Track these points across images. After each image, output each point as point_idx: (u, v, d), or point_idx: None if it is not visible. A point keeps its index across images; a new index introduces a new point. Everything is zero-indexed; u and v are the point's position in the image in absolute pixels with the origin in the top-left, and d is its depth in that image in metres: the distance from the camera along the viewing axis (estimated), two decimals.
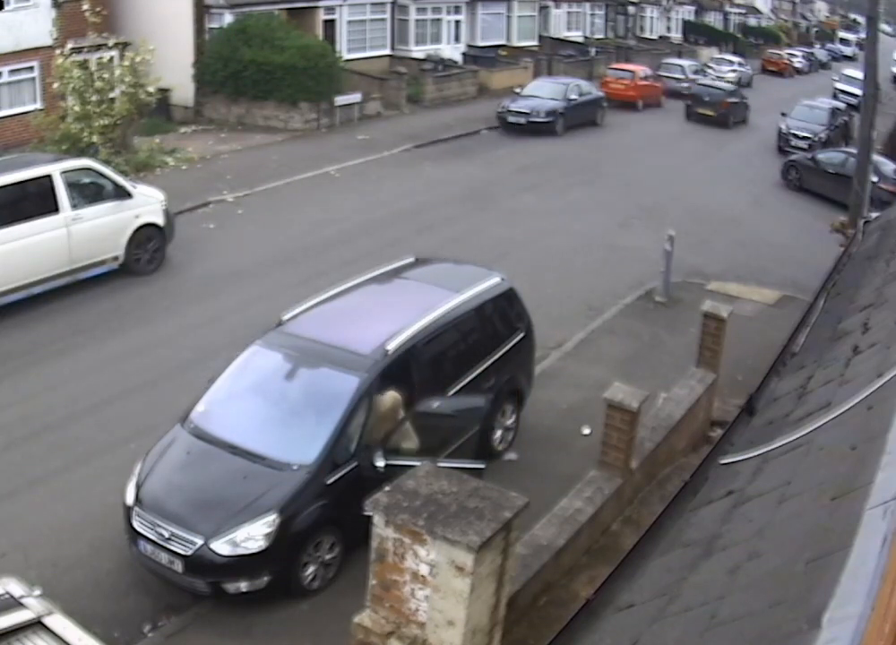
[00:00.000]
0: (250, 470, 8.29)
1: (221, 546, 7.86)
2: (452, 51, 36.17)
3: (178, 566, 7.97)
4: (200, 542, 7.89)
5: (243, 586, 7.99)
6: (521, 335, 10.82)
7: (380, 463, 8.30)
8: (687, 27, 57.60)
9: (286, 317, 9.66)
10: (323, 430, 8.40)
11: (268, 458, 8.33)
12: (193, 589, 8.17)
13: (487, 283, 10.52)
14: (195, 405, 9.09)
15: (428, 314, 9.50)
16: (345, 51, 30.85)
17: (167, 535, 7.99)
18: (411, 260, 11.15)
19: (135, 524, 8.22)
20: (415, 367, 9.26)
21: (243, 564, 7.91)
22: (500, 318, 10.65)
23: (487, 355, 10.16)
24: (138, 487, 8.39)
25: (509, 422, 10.69)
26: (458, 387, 9.66)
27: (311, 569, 8.27)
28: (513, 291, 10.85)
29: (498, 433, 10.48)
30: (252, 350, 9.43)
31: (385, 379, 8.83)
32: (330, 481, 8.27)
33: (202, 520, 7.99)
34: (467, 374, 9.82)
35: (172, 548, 7.96)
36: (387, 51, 33.86)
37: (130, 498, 8.38)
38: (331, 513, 8.27)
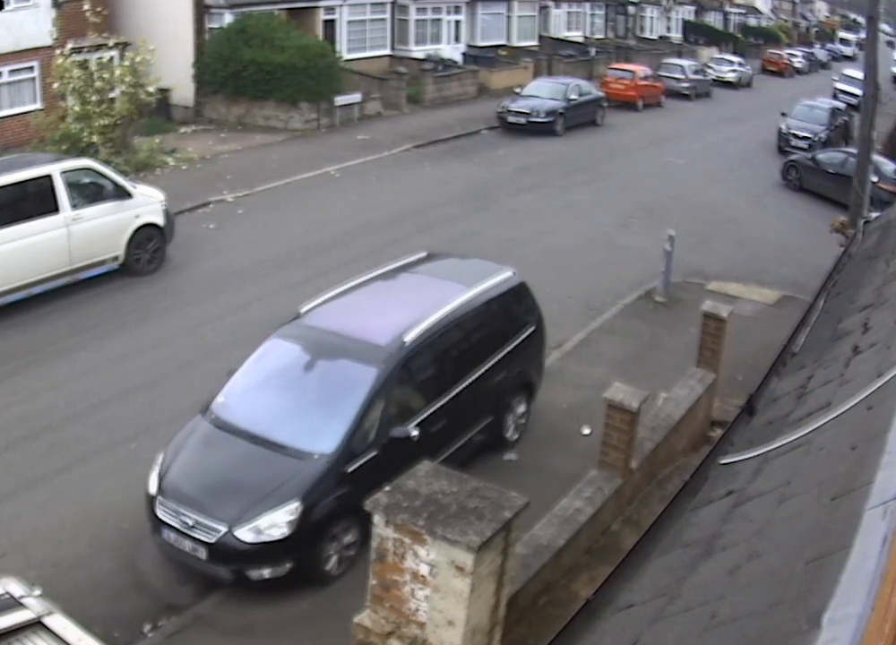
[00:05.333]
0: (272, 459, 8.42)
1: (245, 534, 8.00)
2: (452, 51, 36.15)
3: (202, 554, 8.11)
4: (224, 529, 8.02)
5: (266, 573, 8.11)
6: (532, 328, 11.05)
7: (414, 433, 8.72)
8: (687, 27, 57.59)
9: (303, 309, 9.84)
10: (342, 420, 8.57)
11: (289, 447, 8.48)
12: (216, 576, 8.29)
13: (499, 277, 10.72)
14: (216, 396, 9.24)
15: (443, 307, 9.70)
16: (345, 51, 30.84)
17: (190, 523, 8.13)
18: (423, 255, 11.38)
19: (159, 513, 8.36)
20: (430, 359, 9.48)
21: (266, 551, 8.04)
22: (512, 311, 10.86)
23: (500, 347, 10.39)
24: (161, 477, 8.52)
25: (520, 413, 10.93)
26: (471, 379, 9.86)
27: (331, 556, 8.39)
28: (524, 285, 11.09)
29: (510, 423, 10.72)
30: (271, 342, 9.60)
31: (402, 370, 9.03)
32: (349, 470, 8.43)
33: (226, 508, 8.13)
34: (480, 366, 10.05)
35: (196, 536, 8.10)
36: (387, 51, 33.86)
37: (153, 488, 8.51)
38: (351, 501, 8.30)
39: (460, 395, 9.66)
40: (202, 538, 8.06)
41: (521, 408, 10.91)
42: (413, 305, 9.84)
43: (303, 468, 8.30)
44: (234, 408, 9.03)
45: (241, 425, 8.77)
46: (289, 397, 9.18)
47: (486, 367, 10.10)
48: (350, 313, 9.81)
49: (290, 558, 8.12)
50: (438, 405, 9.37)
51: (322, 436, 8.52)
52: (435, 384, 9.48)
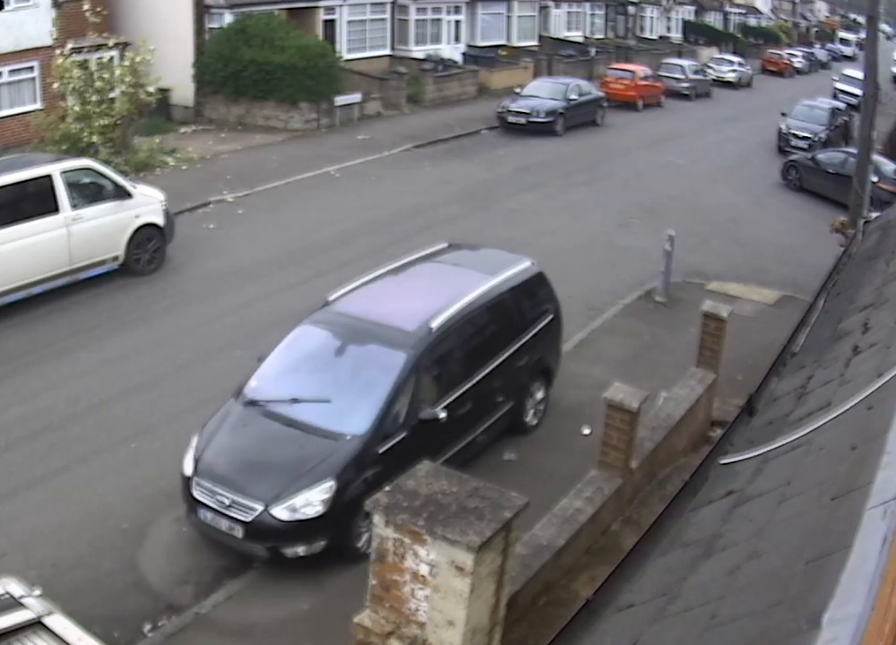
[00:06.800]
0: (305, 440, 8.65)
1: (281, 512, 8.22)
2: (452, 51, 36.15)
3: (238, 532, 8.33)
4: (260, 508, 8.23)
5: (300, 550, 8.33)
6: (551, 316, 11.40)
7: (442, 415, 9.02)
8: (687, 27, 57.58)
9: (332, 297, 10.11)
10: (373, 402, 8.82)
11: (322, 429, 8.71)
12: (252, 554, 8.50)
13: (519, 267, 11.10)
14: (248, 380, 9.46)
15: (467, 295, 10.00)
16: (345, 51, 30.84)
17: (227, 502, 8.34)
18: (445, 245, 11.72)
19: (196, 493, 8.56)
20: (455, 345, 9.78)
21: (301, 529, 8.27)
22: (531, 300, 11.18)
23: (520, 334, 10.70)
24: (196, 459, 8.70)
25: (539, 398, 11.23)
26: (494, 364, 10.14)
27: (364, 534, 8.51)
28: (543, 275, 11.42)
29: (530, 408, 11.06)
30: (301, 328, 9.83)
31: (429, 355, 9.29)
32: (381, 450, 8.65)
33: (262, 488, 8.34)
34: (501, 352, 10.33)
35: (232, 515, 8.31)
36: (387, 51, 33.86)
37: (189, 469, 8.70)
38: (383, 481, 8.41)
39: (484, 380, 10.02)
40: (239, 517, 8.30)
41: (540, 394, 11.26)
42: (438, 293, 10.16)
43: (336, 449, 8.55)
44: (267, 392, 9.26)
45: (275, 408, 9.00)
46: (321, 380, 9.42)
47: (508, 353, 10.42)
48: (378, 300, 10.08)
49: (324, 536, 8.36)
50: (463, 389, 9.71)
51: (354, 418, 8.78)
52: (460, 369, 9.82)
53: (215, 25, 26.89)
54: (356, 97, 27.75)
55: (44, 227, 13.45)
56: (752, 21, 67.04)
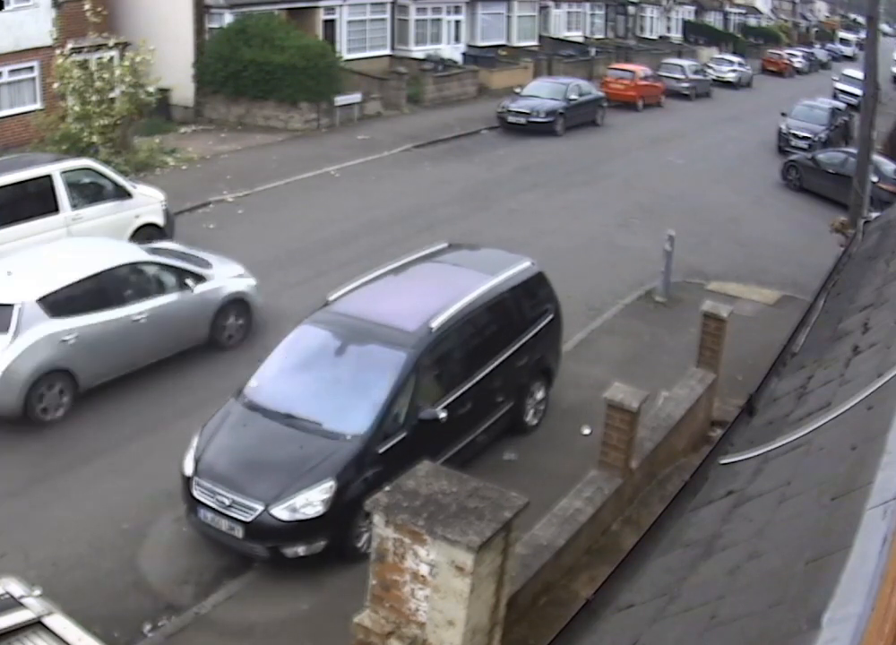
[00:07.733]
0: (306, 440, 8.67)
1: (281, 512, 8.24)
2: (452, 51, 36.15)
3: (239, 532, 8.36)
4: (260, 508, 8.25)
5: (300, 550, 8.35)
6: (551, 316, 11.42)
7: (442, 415, 9.04)
8: (687, 27, 57.57)
9: (332, 297, 10.12)
10: (373, 402, 8.85)
11: (323, 428, 8.73)
12: (252, 554, 8.52)
13: (519, 267, 11.12)
14: (249, 380, 9.47)
15: (467, 295, 10.02)
16: (345, 51, 30.84)
17: (227, 502, 8.36)
18: (445, 245, 11.75)
19: (196, 493, 8.58)
20: (456, 344, 9.81)
21: (301, 529, 8.29)
22: (531, 300, 11.20)
23: (520, 334, 10.71)
24: (196, 459, 8.72)
25: (539, 398, 11.24)
26: (494, 364, 10.16)
27: (364, 534, 8.52)
28: (543, 275, 11.45)
29: (530, 408, 11.09)
30: (301, 328, 9.82)
31: (430, 355, 9.31)
32: (381, 450, 8.67)
33: (262, 488, 8.36)
34: (502, 352, 10.35)
35: (233, 515, 8.33)
36: (387, 51, 33.85)
37: (189, 469, 8.72)
38: (383, 480, 8.43)
39: (484, 380, 10.04)
40: (239, 517, 8.32)
41: (540, 394, 11.28)
42: (438, 292, 10.18)
43: (337, 449, 8.58)
44: (267, 392, 9.28)
45: (275, 408, 9.04)
46: (321, 380, 9.43)
47: (508, 353, 10.43)
48: (378, 300, 10.09)
49: (324, 536, 8.38)
50: (464, 389, 9.71)
51: (354, 418, 8.79)
52: (461, 369, 9.84)
53: (215, 25, 26.88)
54: (356, 97, 27.76)
55: (44, 227, 13.43)
56: (752, 21, 67.02)
